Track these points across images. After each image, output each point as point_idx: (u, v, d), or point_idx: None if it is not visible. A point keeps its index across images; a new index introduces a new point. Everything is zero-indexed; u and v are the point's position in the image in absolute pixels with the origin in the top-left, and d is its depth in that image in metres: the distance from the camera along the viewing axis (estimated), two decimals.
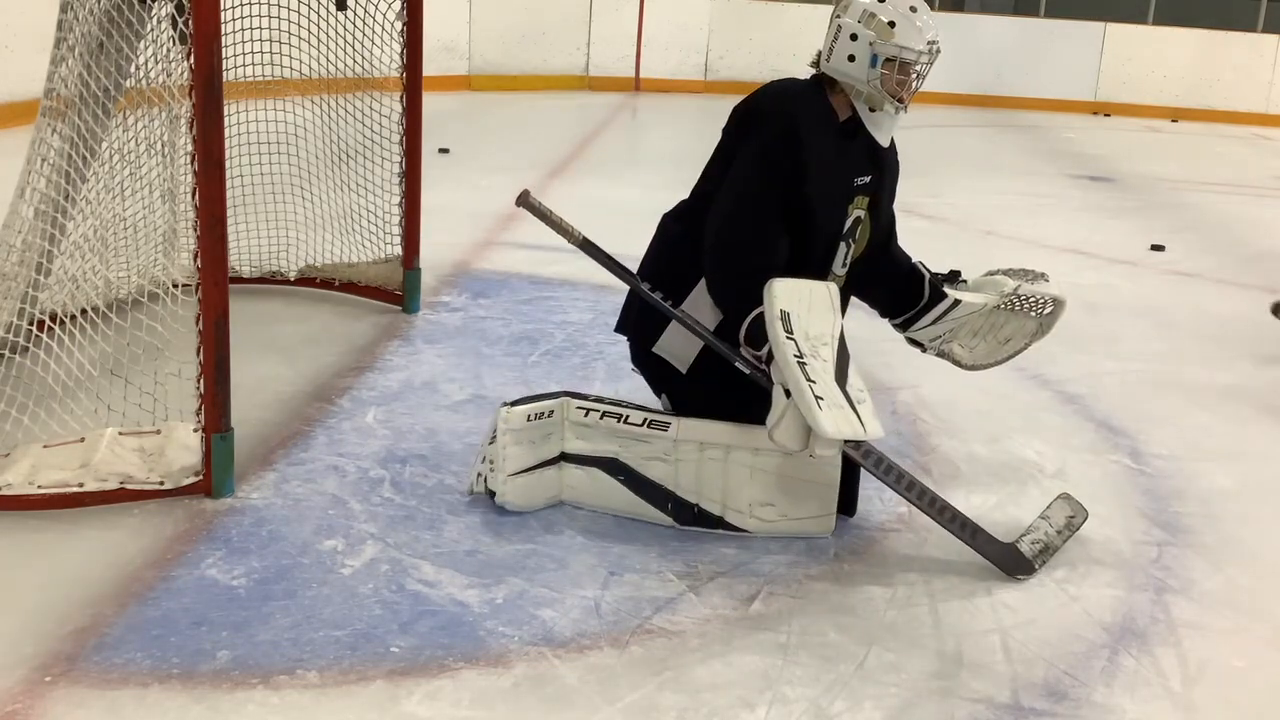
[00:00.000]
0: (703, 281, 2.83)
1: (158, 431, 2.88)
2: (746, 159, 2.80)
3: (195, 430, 2.81)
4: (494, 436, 2.80)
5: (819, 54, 2.87)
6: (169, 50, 2.92)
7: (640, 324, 2.98)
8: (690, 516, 2.81)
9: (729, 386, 2.80)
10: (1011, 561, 2.69)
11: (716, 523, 2.80)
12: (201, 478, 2.78)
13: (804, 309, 2.60)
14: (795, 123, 2.78)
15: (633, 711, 2.12)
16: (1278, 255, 6.59)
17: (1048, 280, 3.17)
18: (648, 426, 2.79)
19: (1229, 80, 13.80)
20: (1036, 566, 2.70)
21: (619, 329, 3.11)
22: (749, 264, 2.73)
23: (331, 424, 3.29)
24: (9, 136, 4.62)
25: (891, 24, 2.75)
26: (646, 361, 3.00)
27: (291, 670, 2.17)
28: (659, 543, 2.73)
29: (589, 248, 2.91)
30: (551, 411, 2.83)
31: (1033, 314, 3.11)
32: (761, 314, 2.60)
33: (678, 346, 2.89)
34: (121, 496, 2.72)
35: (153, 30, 3.00)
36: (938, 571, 2.68)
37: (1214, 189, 8.83)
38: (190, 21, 2.59)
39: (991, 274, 3.18)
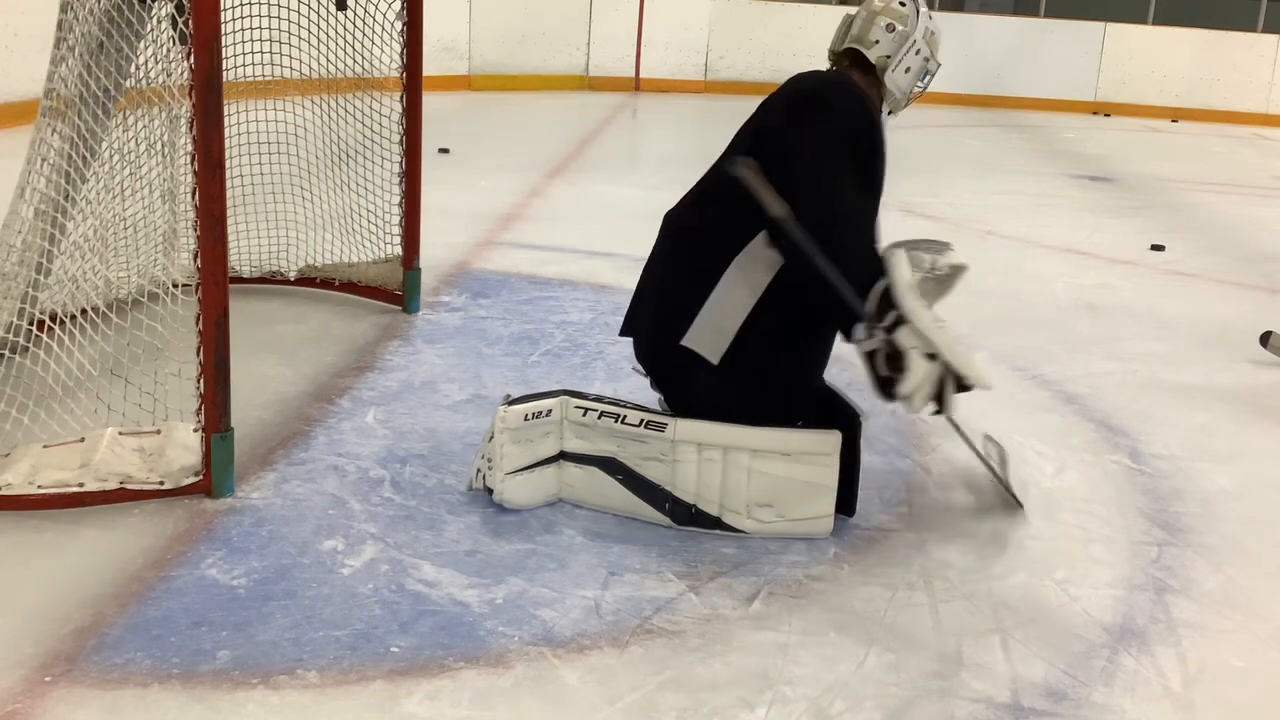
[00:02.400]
0: (735, 266, 2.76)
1: (158, 431, 2.88)
2: (828, 145, 2.73)
3: (195, 430, 2.81)
4: (492, 434, 2.81)
5: (851, 50, 2.89)
6: (169, 50, 2.92)
7: (663, 319, 2.88)
8: (687, 516, 2.80)
9: (760, 377, 2.79)
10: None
11: (714, 523, 2.80)
12: (201, 478, 2.78)
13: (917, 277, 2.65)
14: (873, 115, 2.85)
15: (633, 711, 2.12)
16: (1278, 255, 6.59)
17: (952, 249, 2.95)
18: (645, 427, 2.79)
19: (1229, 80, 13.81)
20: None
21: (626, 331, 3.06)
22: (865, 241, 2.73)
23: (331, 424, 3.29)
24: (9, 136, 4.62)
25: (939, 41, 2.95)
26: (665, 359, 2.90)
27: (291, 670, 2.17)
28: (659, 543, 2.73)
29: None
30: (550, 410, 2.83)
31: (931, 277, 2.91)
32: (888, 286, 2.60)
33: (709, 337, 2.79)
34: (121, 496, 2.72)
35: (153, 30, 3.00)
36: (938, 571, 2.68)
37: (1214, 189, 8.83)
38: (190, 21, 2.59)
39: (894, 245, 3.09)
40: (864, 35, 2.90)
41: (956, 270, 2.92)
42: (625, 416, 2.80)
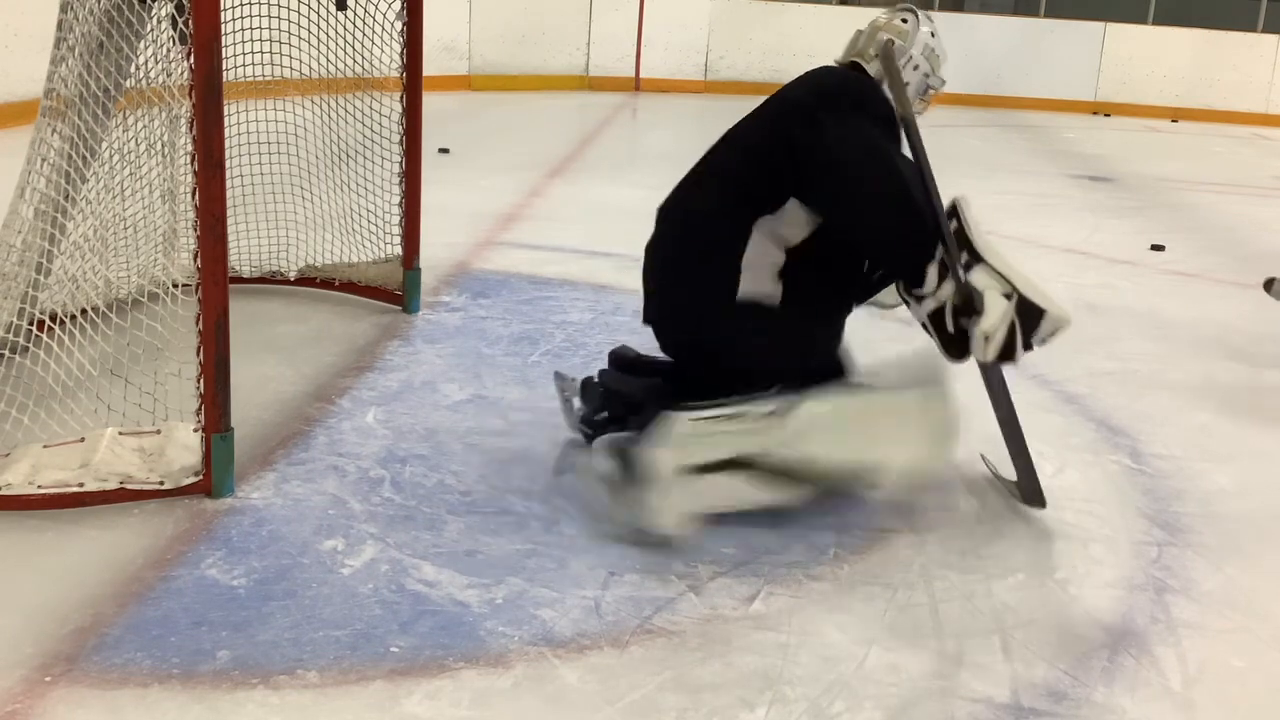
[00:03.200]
0: (757, 231, 2.77)
1: (158, 431, 2.88)
2: (860, 133, 2.74)
3: (195, 430, 2.81)
4: (647, 485, 2.63)
5: (853, 63, 2.95)
6: (169, 50, 2.92)
7: (698, 294, 2.84)
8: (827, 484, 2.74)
9: (822, 306, 2.79)
10: (1032, 492, 2.87)
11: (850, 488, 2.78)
12: (201, 478, 2.78)
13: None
14: (893, 110, 2.89)
15: (633, 711, 2.12)
16: (1278, 255, 6.59)
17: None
18: (760, 419, 2.68)
19: (1229, 80, 13.81)
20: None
21: (649, 319, 2.98)
22: (915, 210, 2.73)
23: (331, 424, 3.29)
24: (9, 136, 4.62)
25: (940, 59, 2.99)
26: (701, 330, 2.85)
27: (291, 670, 2.17)
28: (659, 543, 2.72)
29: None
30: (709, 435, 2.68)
31: None
32: (957, 230, 2.67)
33: (759, 285, 2.78)
34: (121, 496, 2.72)
35: (153, 30, 3.00)
36: (938, 571, 2.68)
37: (1214, 189, 8.83)
38: (190, 21, 2.59)
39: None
40: (865, 49, 2.96)
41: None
42: (743, 414, 2.69)
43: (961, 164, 9.46)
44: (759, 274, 2.78)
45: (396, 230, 4.32)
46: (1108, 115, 13.71)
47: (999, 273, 2.60)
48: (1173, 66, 13.84)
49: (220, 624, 2.30)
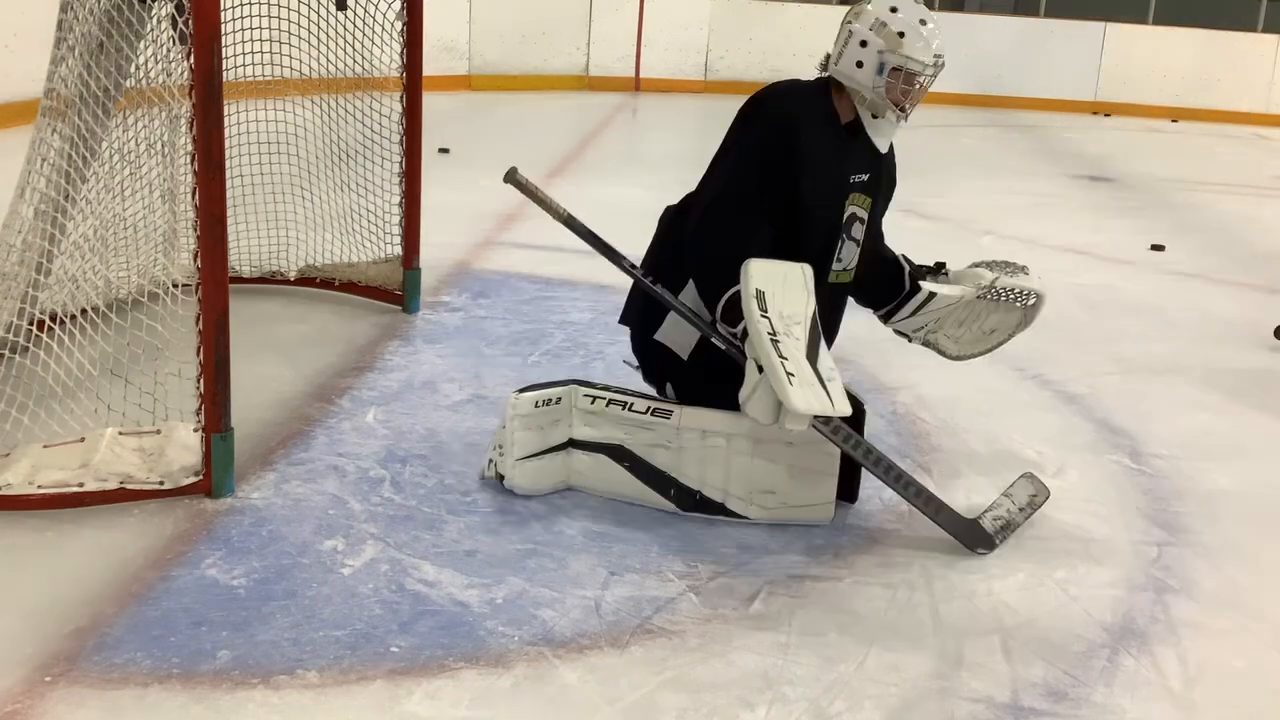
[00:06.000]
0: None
1: (158, 431, 2.88)
2: (743, 148, 2.86)
3: (195, 430, 2.81)
4: (504, 422, 2.85)
5: (828, 56, 2.92)
6: (169, 50, 2.92)
7: (644, 312, 3.04)
8: (692, 503, 2.85)
9: (728, 373, 2.76)
10: (973, 536, 2.78)
11: (718, 509, 2.84)
12: (201, 478, 2.78)
13: (779, 288, 2.66)
14: (794, 119, 2.85)
15: (633, 711, 2.12)
16: (1278, 255, 6.59)
17: (1028, 273, 3.20)
18: (651, 414, 2.86)
19: (1229, 80, 13.81)
20: (998, 542, 2.79)
21: (623, 320, 3.15)
22: (727, 248, 2.76)
23: (331, 424, 3.29)
24: (9, 136, 4.62)
25: (901, 34, 2.81)
26: (648, 350, 3.05)
27: (291, 670, 2.17)
28: (659, 543, 2.73)
29: (573, 224, 3.01)
30: (559, 398, 2.88)
31: (1017, 305, 3.17)
32: (738, 293, 2.67)
33: (678, 334, 2.95)
34: (121, 496, 2.72)
35: (153, 30, 3.00)
36: (938, 572, 2.68)
37: (1214, 189, 8.83)
38: (190, 21, 2.59)
39: (974, 265, 3.22)
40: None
41: (1039, 298, 3.11)
42: (633, 404, 2.86)
43: (961, 164, 9.47)
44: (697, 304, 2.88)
45: (396, 230, 4.32)
46: (1108, 115, 13.70)
47: (757, 347, 2.59)
48: (1173, 66, 13.83)
49: (220, 624, 2.30)
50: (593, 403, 2.89)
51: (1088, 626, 2.50)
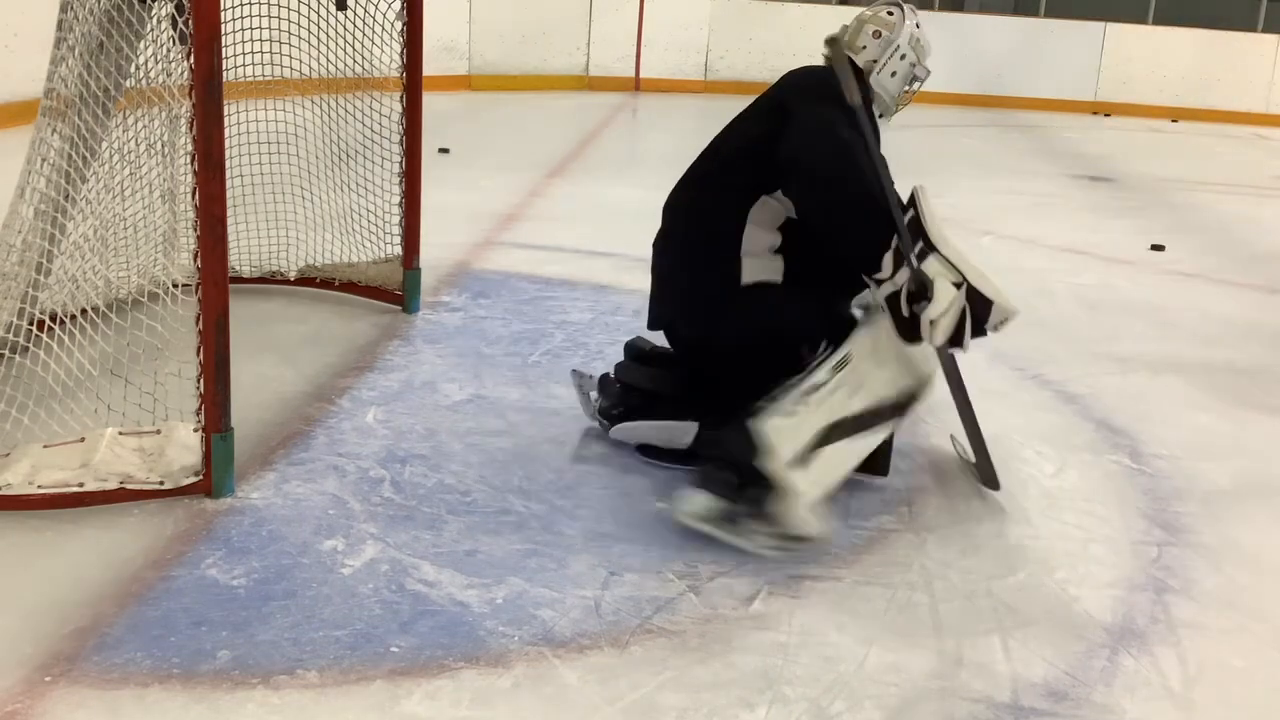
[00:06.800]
0: (751, 240, 2.92)
1: (158, 431, 2.88)
2: (825, 123, 2.82)
3: (195, 430, 2.81)
4: (774, 505, 2.65)
5: (839, 53, 2.88)
6: (169, 50, 2.92)
7: (699, 286, 2.97)
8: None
9: (814, 282, 2.92)
10: (988, 476, 3.04)
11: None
12: (201, 478, 2.78)
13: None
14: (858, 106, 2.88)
15: (633, 711, 2.12)
16: (1278, 255, 6.59)
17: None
18: (834, 369, 2.75)
19: (1229, 80, 13.81)
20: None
21: (655, 324, 3.13)
22: (872, 197, 2.80)
23: (331, 424, 3.29)
24: (9, 136, 4.62)
25: (926, 49, 3.09)
26: (707, 322, 2.97)
27: (291, 670, 2.17)
28: (659, 543, 2.73)
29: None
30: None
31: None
32: (910, 219, 2.77)
33: (763, 270, 2.94)
34: (121, 496, 2.72)
35: (153, 30, 3.00)
36: (938, 571, 2.68)
37: (1214, 189, 8.83)
38: (190, 21, 2.59)
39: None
40: (853, 41, 3.07)
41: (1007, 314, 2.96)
42: (810, 388, 2.73)
43: (961, 164, 9.47)
44: (758, 259, 2.94)
45: (396, 230, 4.32)
46: (1108, 115, 13.70)
47: (950, 262, 2.71)
48: (1173, 66, 13.83)
49: (220, 624, 2.30)
50: (791, 410, 2.69)
51: (1088, 626, 2.50)
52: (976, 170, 9.25)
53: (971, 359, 3.28)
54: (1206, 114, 13.68)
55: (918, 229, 2.76)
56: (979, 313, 2.74)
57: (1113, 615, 2.55)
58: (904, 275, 2.73)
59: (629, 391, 3.21)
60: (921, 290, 2.70)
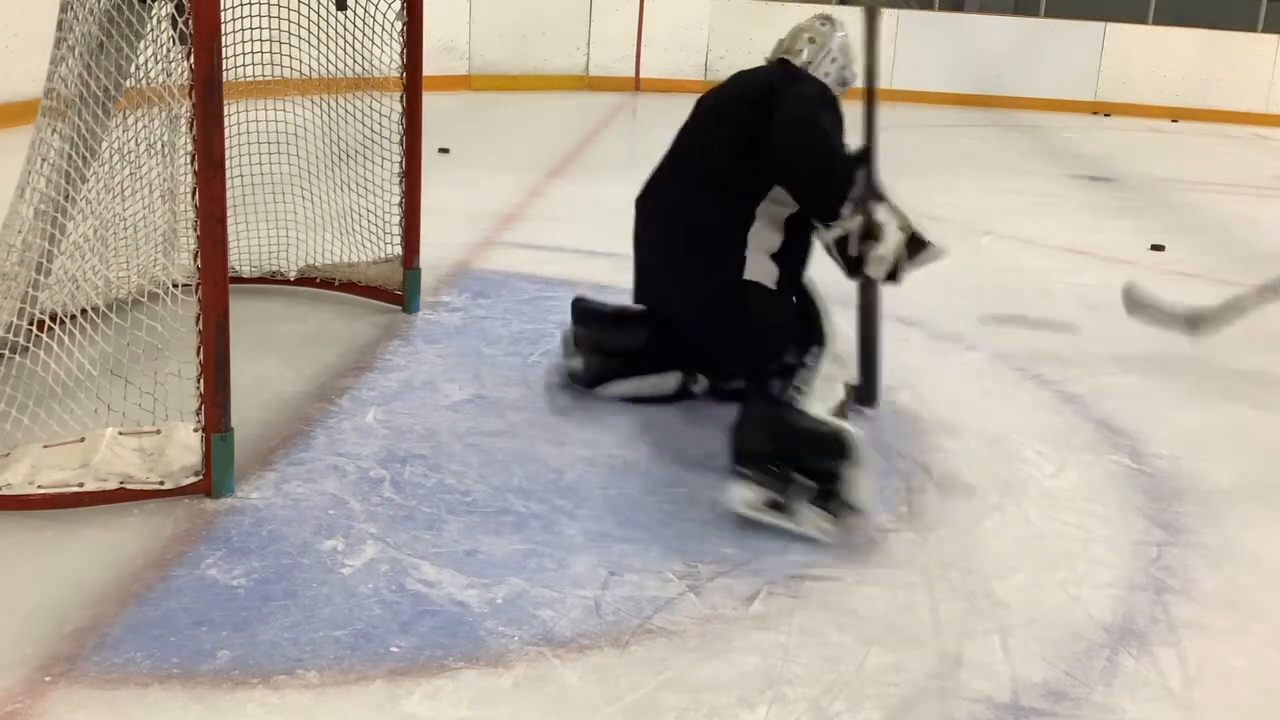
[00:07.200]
0: (757, 237, 3.27)
1: (158, 431, 2.88)
2: (805, 100, 3.27)
3: (195, 430, 2.81)
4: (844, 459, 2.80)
5: (781, 59, 3.48)
6: (169, 50, 2.92)
7: (703, 272, 3.28)
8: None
9: (792, 285, 3.37)
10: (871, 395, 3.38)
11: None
12: (201, 478, 2.78)
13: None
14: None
15: (633, 711, 2.12)
16: (1278, 255, 6.59)
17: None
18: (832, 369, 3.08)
19: (1229, 80, 13.80)
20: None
21: (644, 299, 3.50)
22: (840, 160, 3.24)
23: (331, 424, 3.29)
24: (9, 136, 4.62)
25: (854, 55, 3.51)
26: (703, 304, 3.30)
27: (291, 670, 2.17)
28: (659, 543, 2.73)
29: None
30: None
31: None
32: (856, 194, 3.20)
33: (762, 270, 3.28)
34: (121, 496, 2.72)
35: (153, 30, 3.00)
36: (938, 572, 2.68)
37: (1214, 189, 8.83)
38: (190, 21, 2.59)
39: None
40: (791, 46, 3.50)
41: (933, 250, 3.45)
42: (810, 371, 3.03)
43: (961, 164, 9.47)
44: (760, 259, 3.27)
45: (396, 230, 4.32)
46: (1108, 115, 13.70)
47: (896, 210, 3.20)
48: (1173, 66, 13.83)
49: (220, 624, 2.30)
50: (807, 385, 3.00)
51: (1088, 626, 2.50)
52: (976, 170, 9.25)
53: (972, 359, 3.29)
54: (1206, 114, 13.67)
55: (868, 181, 3.19)
56: (913, 254, 3.23)
57: (1113, 615, 2.55)
58: (855, 221, 3.15)
59: (611, 355, 3.54)
60: (871, 232, 3.14)
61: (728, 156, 3.29)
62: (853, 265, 3.20)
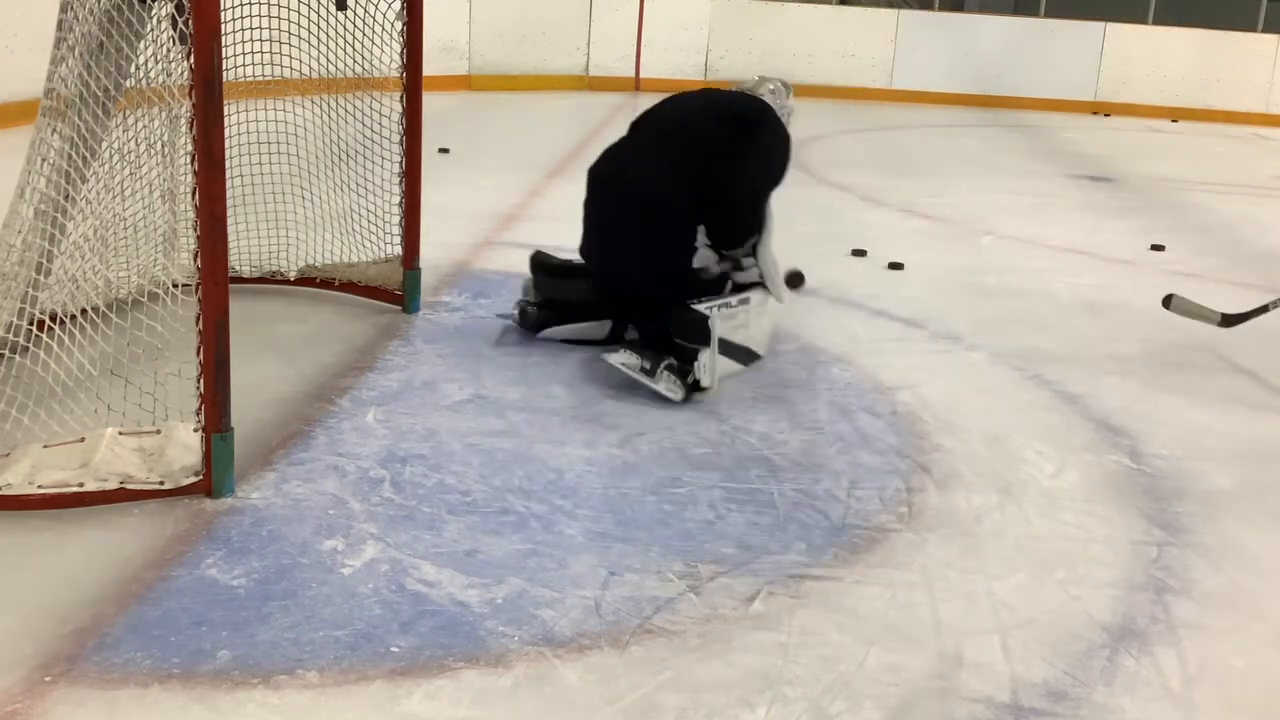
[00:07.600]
0: (700, 239, 3.89)
1: (158, 431, 2.88)
2: (765, 155, 3.94)
3: (195, 430, 2.81)
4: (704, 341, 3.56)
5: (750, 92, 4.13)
6: (169, 50, 2.92)
7: (655, 260, 3.85)
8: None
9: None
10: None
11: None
12: (201, 478, 2.78)
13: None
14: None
15: (633, 711, 2.12)
16: (1278, 255, 6.59)
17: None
18: (738, 304, 3.81)
19: (1229, 80, 13.80)
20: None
21: (596, 264, 4.03)
22: (756, 225, 4.02)
23: (331, 424, 3.29)
24: (9, 136, 4.62)
25: (793, 116, 4.18)
26: (676, 279, 3.83)
27: (291, 670, 2.17)
28: (659, 543, 2.73)
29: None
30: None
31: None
32: (754, 243, 4.02)
33: (705, 261, 3.94)
34: (121, 496, 2.72)
35: (153, 30, 3.00)
36: (938, 571, 2.68)
37: (1214, 189, 8.83)
38: (190, 21, 2.59)
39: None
40: (756, 90, 4.14)
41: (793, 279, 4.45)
42: (727, 303, 3.77)
43: (961, 164, 9.47)
44: (705, 250, 3.88)
45: (396, 230, 4.32)
46: (1108, 115, 13.70)
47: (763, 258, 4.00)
48: (1173, 66, 13.83)
49: (220, 624, 2.30)
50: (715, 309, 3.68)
51: (1088, 626, 2.50)
52: (976, 170, 9.25)
53: (972, 359, 3.29)
54: (1206, 114, 13.68)
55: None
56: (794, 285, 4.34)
57: (1113, 615, 2.55)
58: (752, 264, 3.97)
59: (551, 303, 4.11)
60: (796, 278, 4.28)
61: (697, 171, 3.81)
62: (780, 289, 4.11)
